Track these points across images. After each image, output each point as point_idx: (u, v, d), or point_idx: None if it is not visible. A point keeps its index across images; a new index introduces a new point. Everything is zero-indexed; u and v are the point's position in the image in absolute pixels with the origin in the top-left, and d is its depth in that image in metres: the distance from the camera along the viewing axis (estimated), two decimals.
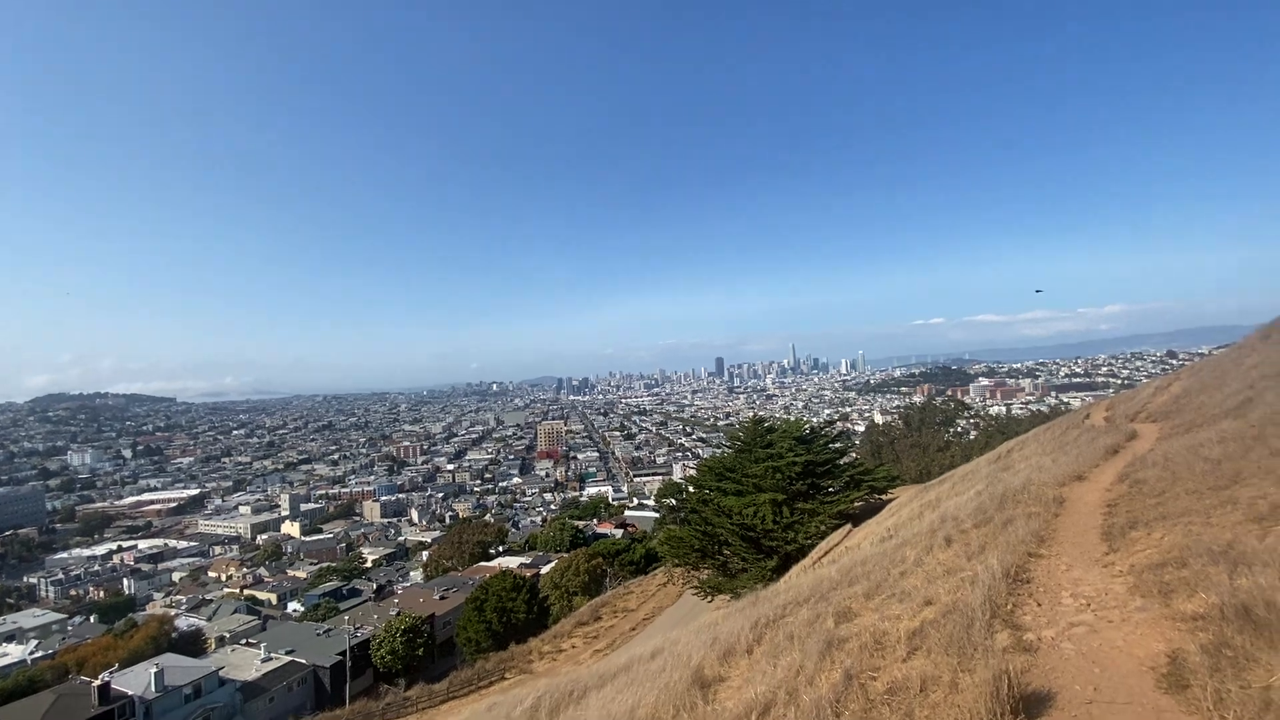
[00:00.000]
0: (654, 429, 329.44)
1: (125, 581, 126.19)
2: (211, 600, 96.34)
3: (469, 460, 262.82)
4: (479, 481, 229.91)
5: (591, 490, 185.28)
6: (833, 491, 28.75)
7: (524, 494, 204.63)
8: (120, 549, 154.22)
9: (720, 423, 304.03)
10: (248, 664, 45.81)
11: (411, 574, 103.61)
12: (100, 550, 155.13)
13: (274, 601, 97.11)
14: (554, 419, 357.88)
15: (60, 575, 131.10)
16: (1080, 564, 7.17)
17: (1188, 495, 8.33)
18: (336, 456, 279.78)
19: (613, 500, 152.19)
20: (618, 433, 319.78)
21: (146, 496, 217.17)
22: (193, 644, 63.80)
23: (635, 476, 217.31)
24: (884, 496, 31.02)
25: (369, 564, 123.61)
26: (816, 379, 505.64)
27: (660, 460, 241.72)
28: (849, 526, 24.62)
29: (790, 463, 28.18)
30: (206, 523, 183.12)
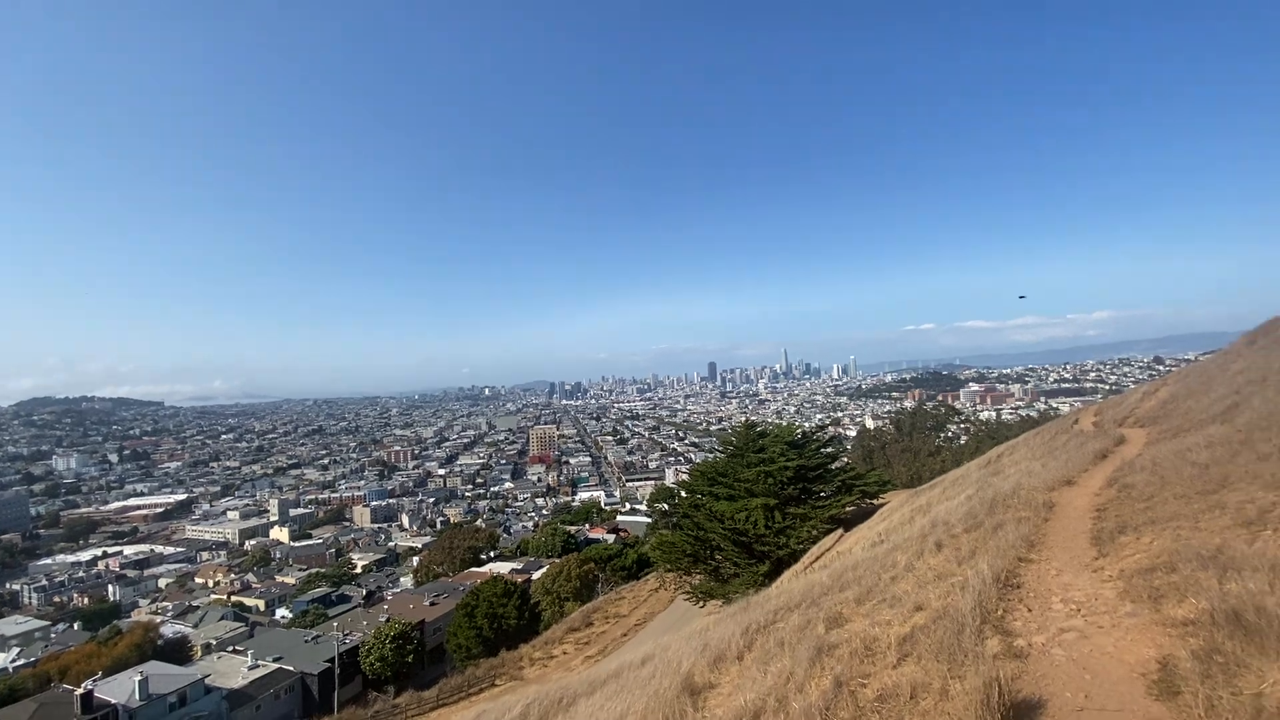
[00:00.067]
0: (646, 434, 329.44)
1: (110, 588, 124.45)
2: (198, 607, 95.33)
3: (460, 465, 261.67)
4: (470, 486, 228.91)
5: (584, 495, 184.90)
6: (824, 496, 28.77)
7: (516, 499, 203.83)
8: (105, 555, 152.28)
9: (713, 427, 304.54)
10: (234, 672, 45.18)
11: (402, 580, 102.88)
12: (85, 556, 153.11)
13: (262, 608, 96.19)
14: (546, 423, 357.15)
15: (44, 581, 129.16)
16: (1070, 569, 7.16)
17: (1176, 500, 8.35)
18: (327, 461, 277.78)
19: (605, 505, 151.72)
20: (610, 437, 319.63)
21: (133, 501, 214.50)
22: (178, 651, 62.90)
23: (628, 481, 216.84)
24: (875, 501, 31.05)
25: (359, 570, 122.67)
26: (808, 384, 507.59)
27: (653, 465, 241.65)
28: (841, 531, 24.60)
29: (782, 467, 28.17)
30: (194, 528, 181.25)
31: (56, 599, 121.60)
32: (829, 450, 32.53)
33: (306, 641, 51.27)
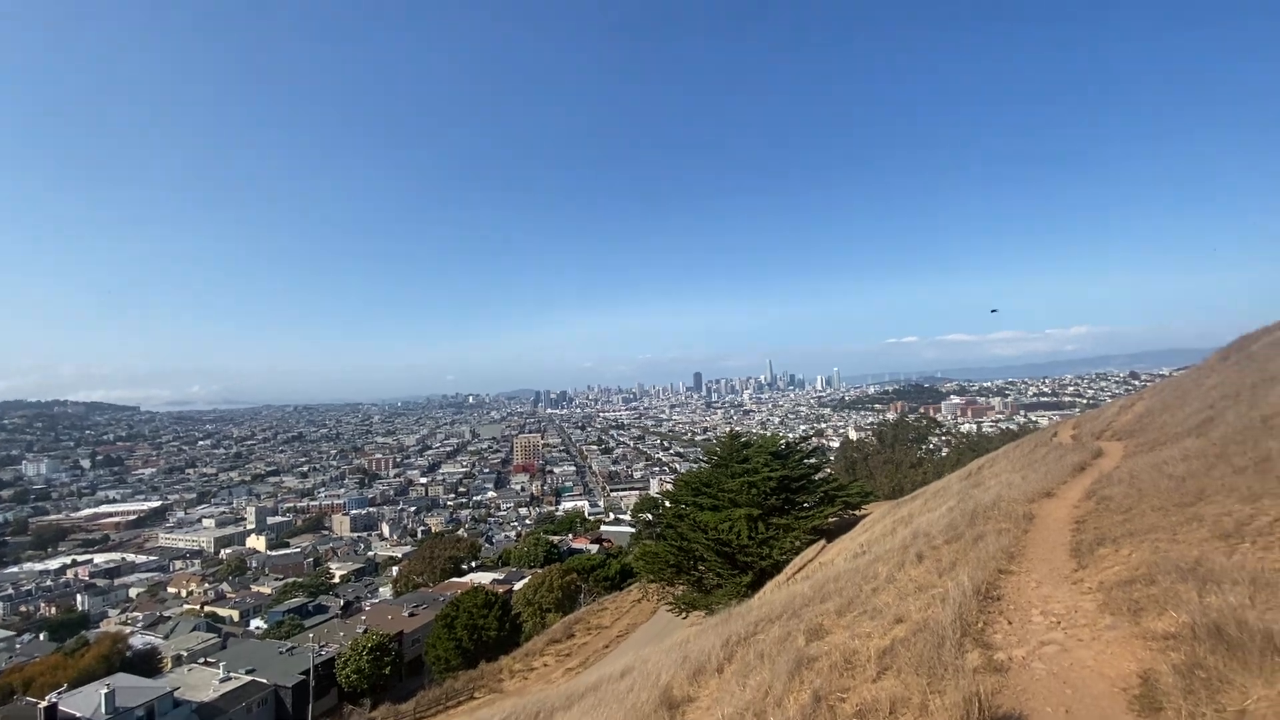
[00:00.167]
0: (632, 443, 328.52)
1: (79, 597, 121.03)
2: (169, 617, 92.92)
3: (443, 473, 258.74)
4: (453, 495, 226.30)
5: (567, 505, 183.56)
6: (808, 507, 28.75)
7: (499, 508, 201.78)
8: (75, 563, 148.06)
9: (698, 437, 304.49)
10: (205, 684, 44.04)
11: (381, 590, 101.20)
12: (53, 564, 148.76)
13: (236, 618, 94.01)
14: (531, 432, 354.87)
15: (10, 590, 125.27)
16: (1050, 581, 7.13)
17: (1154, 512, 8.38)
18: (306, 468, 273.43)
19: (589, 515, 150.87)
20: (595, 447, 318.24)
21: (104, 509, 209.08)
22: (148, 663, 61.28)
23: (612, 491, 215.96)
24: (858, 512, 31.14)
25: (337, 579, 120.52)
26: (793, 395, 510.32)
27: (637, 475, 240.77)
28: (823, 542, 24.58)
29: (766, 478, 28.14)
30: (167, 536, 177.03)
31: (23, 608, 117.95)
32: (812, 461, 32.58)
33: (281, 653, 50.17)
